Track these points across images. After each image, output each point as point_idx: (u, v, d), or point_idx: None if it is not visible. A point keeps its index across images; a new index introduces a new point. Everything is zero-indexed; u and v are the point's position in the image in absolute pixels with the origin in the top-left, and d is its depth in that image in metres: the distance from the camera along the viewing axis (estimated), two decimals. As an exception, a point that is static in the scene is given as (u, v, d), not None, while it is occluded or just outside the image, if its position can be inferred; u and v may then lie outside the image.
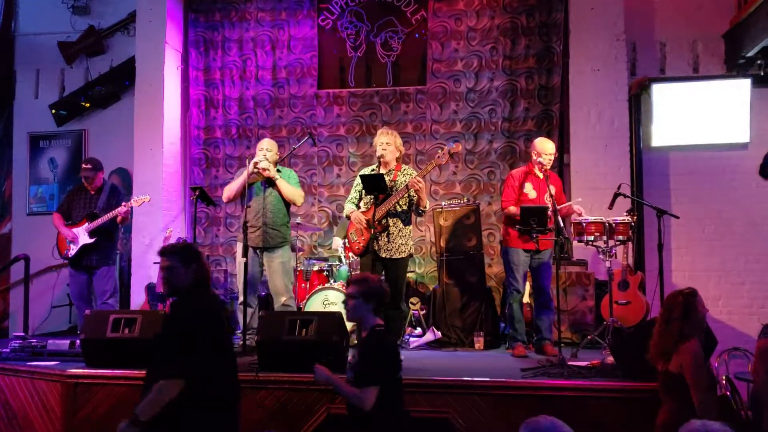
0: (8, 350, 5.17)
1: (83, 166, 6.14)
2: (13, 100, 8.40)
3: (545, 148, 5.45)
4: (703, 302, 3.58)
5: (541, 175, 5.44)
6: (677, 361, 3.43)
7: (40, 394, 4.72)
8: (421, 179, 4.95)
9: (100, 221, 5.88)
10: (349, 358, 3.66)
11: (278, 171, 5.45)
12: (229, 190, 5.45)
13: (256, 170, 5.29)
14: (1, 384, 4.92)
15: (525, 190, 5.51)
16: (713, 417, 3.14)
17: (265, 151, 5.42)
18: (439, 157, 5.08)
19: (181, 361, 3.09)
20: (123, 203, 5.91)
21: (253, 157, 5.46)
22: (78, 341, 4.96)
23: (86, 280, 6.05)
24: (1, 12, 8.29)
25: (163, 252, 3.39)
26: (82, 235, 5.92)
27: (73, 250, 5.95)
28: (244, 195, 5.40)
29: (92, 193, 6.10)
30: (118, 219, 5.93)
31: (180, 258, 3.32)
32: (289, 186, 5.47)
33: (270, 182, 5.40)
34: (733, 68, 6.94)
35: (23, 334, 5.67)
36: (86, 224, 5.93)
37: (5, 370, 4.94)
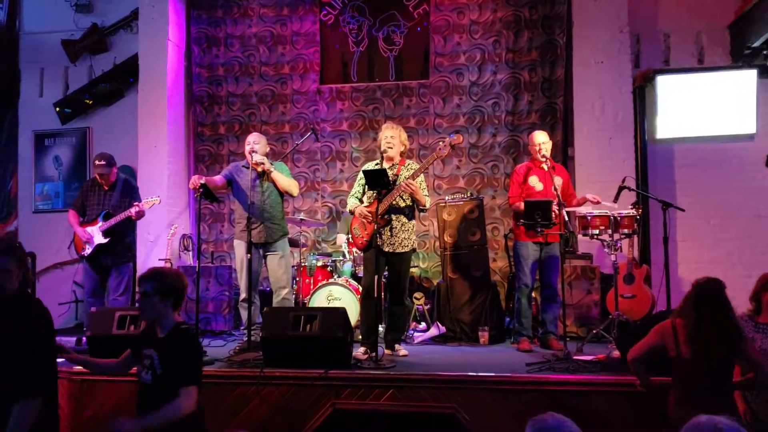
0: (15, 348, 5.18)
1: (97, 162, 6.04)
2: (17, 99, 8.42)
3: (535, 138, 5.52)
4: None
5: (545, 167, 5.42)
6: (753, 346, 3.51)
7: (46, 392, 4.74)
8: (412, 182, 4.92)
9: (113, 221, 5.86)
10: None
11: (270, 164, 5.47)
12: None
13: (250, 166, 5.33)
14: (8, 381, 4.94)
15: (531, 183, 5.53)
16: None
17: (253, 144, 5.40)
18: (440, 149, 5.04)
19: (41, 375, 2.88)
20: (134, 203, 5.90)
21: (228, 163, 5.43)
22: (84, 338, 4.98)
23: (100, 279, 6.06)
24: (5, 11, 8.30)
25: None
26: (96, 235, 5.91)
27: (88, 249, 5.95)
28: (238, 192, 5.45)
29: (106, 188, 6.06)
30: (133, 216, 5.93)
31: (16, 260, 2.97)
32: (285, 177, 5.47)
33: (265, 177, 5.40)
34: (738, 59, 6.90)
35: (30, 331, 5.67)
36: (100, 223, 5.92)
37: (12, 367, 4.96)
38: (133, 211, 5.84)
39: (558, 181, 5.42)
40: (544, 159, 5.42)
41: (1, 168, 8.22)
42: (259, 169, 5.31)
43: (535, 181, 5.51)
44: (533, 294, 5.80)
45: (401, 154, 5.22)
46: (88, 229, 5.94)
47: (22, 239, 8.19)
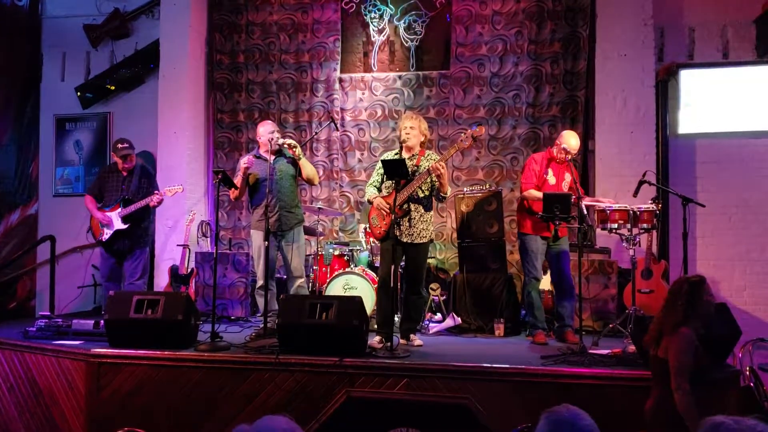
0: (35, 329, 5.25)
1: (120, 146, 6.10)
2: (40, 83, 8.49)
3: (572, 142, 5.39)
4: (710, 290, 3.50)
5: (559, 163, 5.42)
6: (665, 346, 3.39)
7: (65, 373, 4.80)
8: (442, 164, 4.90)
9: (133, 208, 5.95)
10: None
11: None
12: (235, 191, 5.44)
13: (278, 148, 5.37)
14: (28, 362, 5.01)
15: (546, 176, 5.47)
16: (687, 410, 3.14)
17: (276, 132, 5.47)
18: (461, 140, 5.02)
19: None
20: (156, 191, 5.97)
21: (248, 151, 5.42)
22: (102, 321, 5.04)
23: (116, 263, 6.15)
24: (28, -5, 8.38)
25: None
26: (115, 220, 5.99)
27: (106, 234, 6.02)
28: (255, 185, 5.47)
29: (124, 174, 6.14)
30: (152, 205, 6.01)
31: None
32: (310, 165, 5.50)
33: (280, 166, 5.43)
34: (764, 54, 6.80)
35: (49, 313, 5.76)
36: (120, 209, 6.00)
37: (32, 348, 5.03)
38: (155, 199, 5.92)
39: (568, 177, 5.40)
40: (566, 161, 5.39)
41: (22, 151, 8.29)
42: (290, 152, 5.34)
43: (550, 175, 5.45)
44: (549, 286, 5.79)
45: (422, 144, 5.19)
46: (108, 214, 6.01)
47: (42, 222, 8.31)
